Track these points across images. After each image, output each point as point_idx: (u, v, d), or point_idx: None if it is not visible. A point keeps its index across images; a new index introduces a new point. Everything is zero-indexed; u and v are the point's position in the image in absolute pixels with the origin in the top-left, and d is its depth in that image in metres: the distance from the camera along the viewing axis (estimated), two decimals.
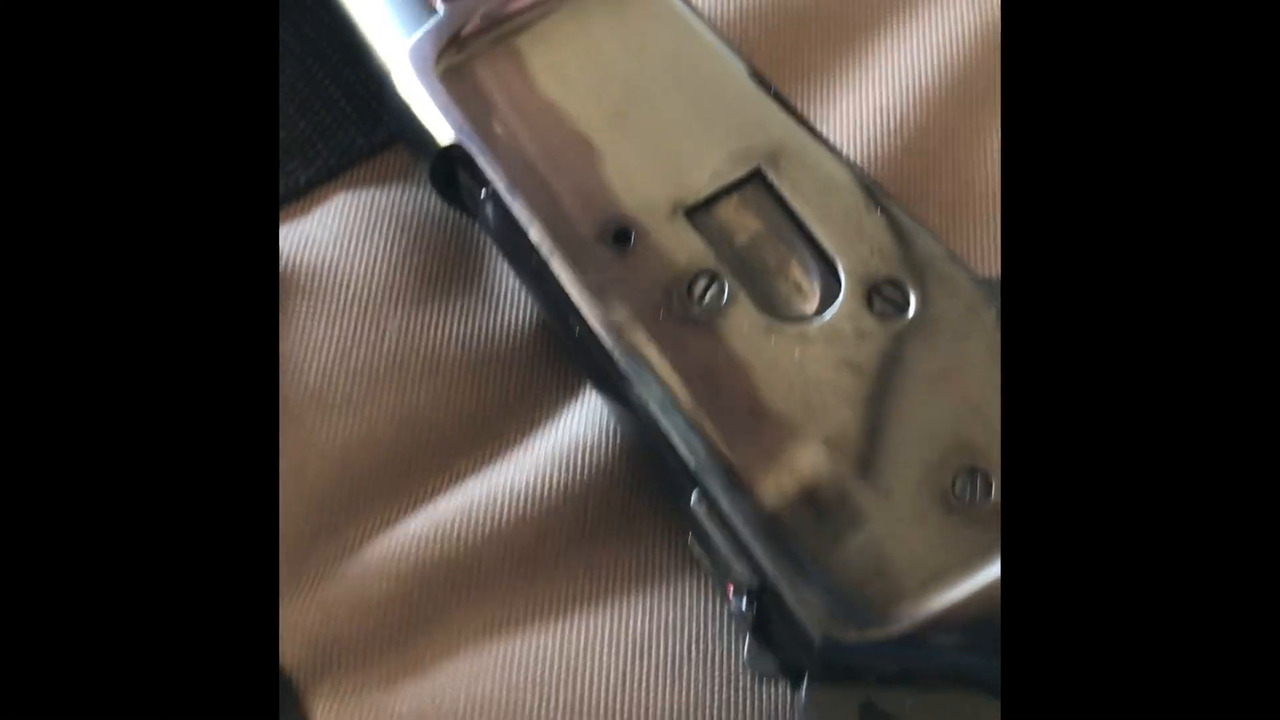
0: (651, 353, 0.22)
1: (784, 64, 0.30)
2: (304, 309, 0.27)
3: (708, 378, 0.22)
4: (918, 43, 0.30)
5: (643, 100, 0.25)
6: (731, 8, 0.31)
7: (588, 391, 0.27)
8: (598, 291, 0.23)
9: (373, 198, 0.29)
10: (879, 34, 0.31)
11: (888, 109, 0.29)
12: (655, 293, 0.23)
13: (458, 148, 0.25)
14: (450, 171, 0.26)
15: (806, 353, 0.22)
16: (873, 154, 0.29)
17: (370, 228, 0.28)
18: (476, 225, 0.28)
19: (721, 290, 0.23)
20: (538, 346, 0.27)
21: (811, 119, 0.25)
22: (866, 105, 0.30)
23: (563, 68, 0.25)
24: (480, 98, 0.25)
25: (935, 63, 0.30)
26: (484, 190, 0.25)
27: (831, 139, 0.25)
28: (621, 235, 0.23)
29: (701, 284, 0.23)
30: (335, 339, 0.27)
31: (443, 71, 0.25)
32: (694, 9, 0.26)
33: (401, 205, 0.29)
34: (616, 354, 0.23)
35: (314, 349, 0.27)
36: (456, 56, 0.25)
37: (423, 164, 0.26)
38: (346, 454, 0.26)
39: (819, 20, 0.31)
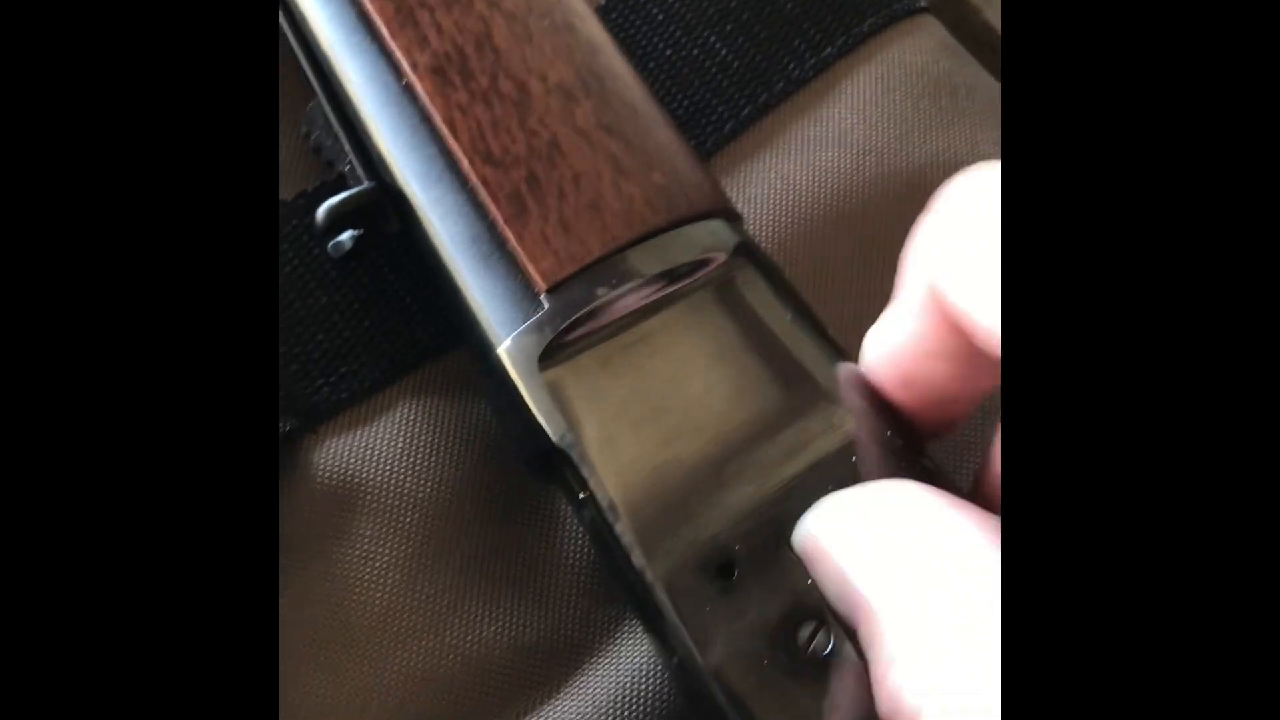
0: (755, 704, 0.22)
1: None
2: (369, 529, 0.27)
3: None
4: None
5: (750, 419, 0.24)
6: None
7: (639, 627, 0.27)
8: (701, 631, 0.22)
9: (439, 408, 0.29)
10: None
11: None
12: (760, 639, 0.22)
13: (559, 450, 0.24)
14: (544, 454, 0.24)
15: None
16: None
17: (436, 443, 0.28)
18: None
19: (828, 638, 0.22)
20: (595, 577, 0.28)
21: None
22: None
23: (668, 375, 0.24)
24: (584, 402, 0.24)
25: None
26: (582, 493, 0.24)
27: None
28: (725, 569, 0.23)
29: (806, 632, 0.22)
30: (401, 564, 0.27)
31: (547, 372, 0.24)
32: (793, 296, 0.26)
33: (467, 416, 0.29)
34: (719, 697, 0.22)
35: (379, 573, 0.27)
36: (561, 356, 0.24)
37: (518, 451, 0.25)
38: (408, 690, 0.26)
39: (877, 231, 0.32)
